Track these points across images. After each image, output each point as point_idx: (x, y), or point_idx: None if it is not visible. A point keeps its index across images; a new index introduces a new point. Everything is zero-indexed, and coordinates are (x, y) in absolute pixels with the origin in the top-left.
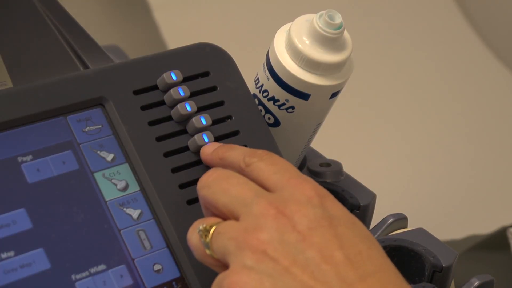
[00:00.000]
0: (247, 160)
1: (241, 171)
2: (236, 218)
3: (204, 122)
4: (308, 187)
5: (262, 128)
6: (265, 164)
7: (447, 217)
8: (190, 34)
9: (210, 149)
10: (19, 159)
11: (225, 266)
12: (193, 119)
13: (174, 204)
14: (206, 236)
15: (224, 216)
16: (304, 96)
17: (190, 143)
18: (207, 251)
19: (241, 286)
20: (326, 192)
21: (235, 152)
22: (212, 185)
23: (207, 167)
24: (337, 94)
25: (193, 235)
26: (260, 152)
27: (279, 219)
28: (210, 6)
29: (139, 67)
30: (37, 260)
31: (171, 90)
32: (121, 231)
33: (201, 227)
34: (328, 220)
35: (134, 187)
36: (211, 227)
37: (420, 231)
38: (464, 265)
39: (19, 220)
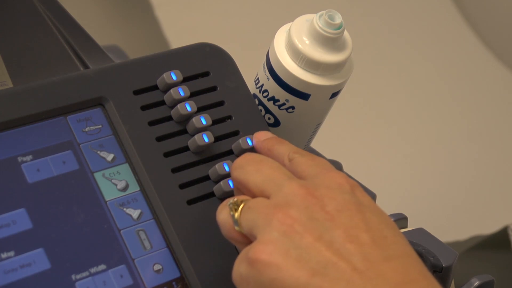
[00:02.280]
0: (291, 155)
1: (284, 166)
2: (267, 197)
3: (204, 122)
4: (339, 176)
5: (262, 128)
6: (305, 159)
7: (447, 217)
8: (191, 33)
9: (261, 137)
10: (19, 159)
11: (250, 243)
12: (193, 119)
13: (174, 204)
14: (236, 210)
15: (255, 196)
16: (304, 96)
17: (190, 143)
18: (236, 227)
19: (267, 254)
20: (356, 183)
21: (282, 147)
22: (245, 166)
23: (207, 167)
24: (337, 94)
25: (223, 210)
26: (303, 150)
27: (309, 199)
28: (210, 5)
29: (139, 67)
30: (37, 260)
31: (171, 90)
32: (121, 231)
33: (231, 201)
34: (356, 205)
35: (134, 187)
36: (241, 202)
37: (420, 231)
38: (465, 264)
39: (19, 220)
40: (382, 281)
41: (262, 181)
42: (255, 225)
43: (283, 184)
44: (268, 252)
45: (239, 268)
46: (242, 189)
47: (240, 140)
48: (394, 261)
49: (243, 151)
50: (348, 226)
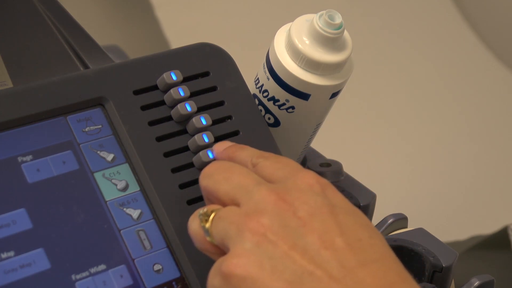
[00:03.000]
0: (254, 160)
1: None
2: (237, 205)
3: (204, 122)
4: (309, 176)
5: (262, 128)
6: (270, 162)
7: (448, 217)
8: (191, 33)
9: (221, 147)
10: (19, 159)
11: (223, 254)
12: (193, 119)
13: (174, 204)
14: (206, 221)
15: (225, 204)
16: (304, 96)
17: (190, 143)
18: (207, 238)
19: (240, 268)
20: (327, 182)
21: (244, 153)
22: (214, 174)
23: None
24: (337, 94)
25: (194, 221)
26: (267, 153)
27: (280, 205)
28: (210, 5)
29: (139, 67)
30: (37, 260)
31: (171, 90)
32: (121, 231)
33: (201, 212)
34: (329, 208)
35: (134, 187)
36: (212, 212)
37: (420, 231)
38: (465, 264)
39: (19, 220)
40: None
41: (231, 189)
42: (227, 236)
43: (253, 191)
44: (242, 265)
45: (213, 282)
46: (212, 198)
47: (200, 153)
48: (371, 265)
49: (204, 164)
50: (321, 231)
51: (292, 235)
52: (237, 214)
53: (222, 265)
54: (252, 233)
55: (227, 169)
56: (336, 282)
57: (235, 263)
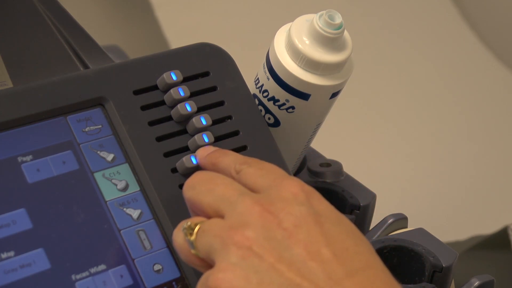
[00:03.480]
0: (237, 167)
1: (232, 178)
2: (221, 217)
3: (204, 122)
4: (293, 185)
5: (262, 128)
6: (253, 169)
7: (447, 217)
8: (191, 33)
9: (204, 153)
10: (19, 159)
11: (210, 266)
12: (193, 119)
13: (174, 204)
14: (190, 234)
15: (209, 216)
16: (304, 96)
17: (190, 143)
18: (192, 251)
19: (226, 283)
20: (312, 190)
21: (226, 159)
22: (197, 186)
23: None
24: (337, 94)
25: (178, 235)
26: (250, 159)
27: (265, 216)
28: (210, 5)
29: (139, 67)
30: (37, 260)
31: (171, 90)
32: (121, 231)
33: (185, 226)
34: (314, 217)
35: (134, 187)
36: (195, 225)
37: (420, 231)
38: (465, 264)
39: (19, 220)
40: None
41: (214, 200)
42: (212, 249)
43: (237, 202)
44: (228, 280)
45: None
46: (196, 209)
47: (184, 159)
48: (358, 275)
49: (187, 169)
50: (307, 242)
51: (278, 247)
52: (221, 227)
53: (208, 279)
54: (237, 247)
55: (209, 180)
56: None
57: (221, 277)
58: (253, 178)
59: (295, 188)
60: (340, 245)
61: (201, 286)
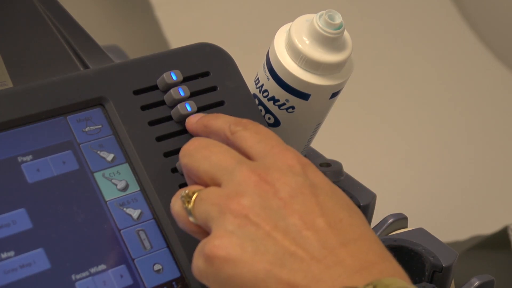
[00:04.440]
0: (232, 128)
1: (226, 140)
2: (218, 185)
3: None
4: (290, 156)
5: None
6: (250, 133)
7: (447, 217)
8: (191, 33)
9: (195, 118)
10: (19, 159)
11: (207, 233)
12: None
13: None
14: (188, 202)
15: (206, 184)
16: (304, 96)
17: None
18: (190, 218)
19: (222, 250)
20: (308, 161)
21: (220, 120)
22: (194, 153)
23: None
24: (337, 94)
25: (176, 203)
26: (245, 121)
27: (261, 185)
28: (210, 5)
29: (139, 67)
30: (37, 260)
31: (171, 90)
32: (121, 231)
33: (183, 194)
34: (310, 188)
35: (134, 187)
36: (193, 193)
37: (420, 231)
38: (465, 264)
39: (19, 220)
40: (340, 269)
41: (212, 168)
42: (209, 217)
43: (234, 171)
44: (224, 247)
45: (198, 263)
46: (193, 176)
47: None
48: (351, 245)
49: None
50: (302, 212)
51: (274, 216)
52: (219, 195)
53: (205, 247)
54: (233, 215)
55: (206, 146)
56: (317, 262)
57: (217, 245)
58: (250, 142)
59: (292, 160)
60: (335, 216)
61: (198, 253)
